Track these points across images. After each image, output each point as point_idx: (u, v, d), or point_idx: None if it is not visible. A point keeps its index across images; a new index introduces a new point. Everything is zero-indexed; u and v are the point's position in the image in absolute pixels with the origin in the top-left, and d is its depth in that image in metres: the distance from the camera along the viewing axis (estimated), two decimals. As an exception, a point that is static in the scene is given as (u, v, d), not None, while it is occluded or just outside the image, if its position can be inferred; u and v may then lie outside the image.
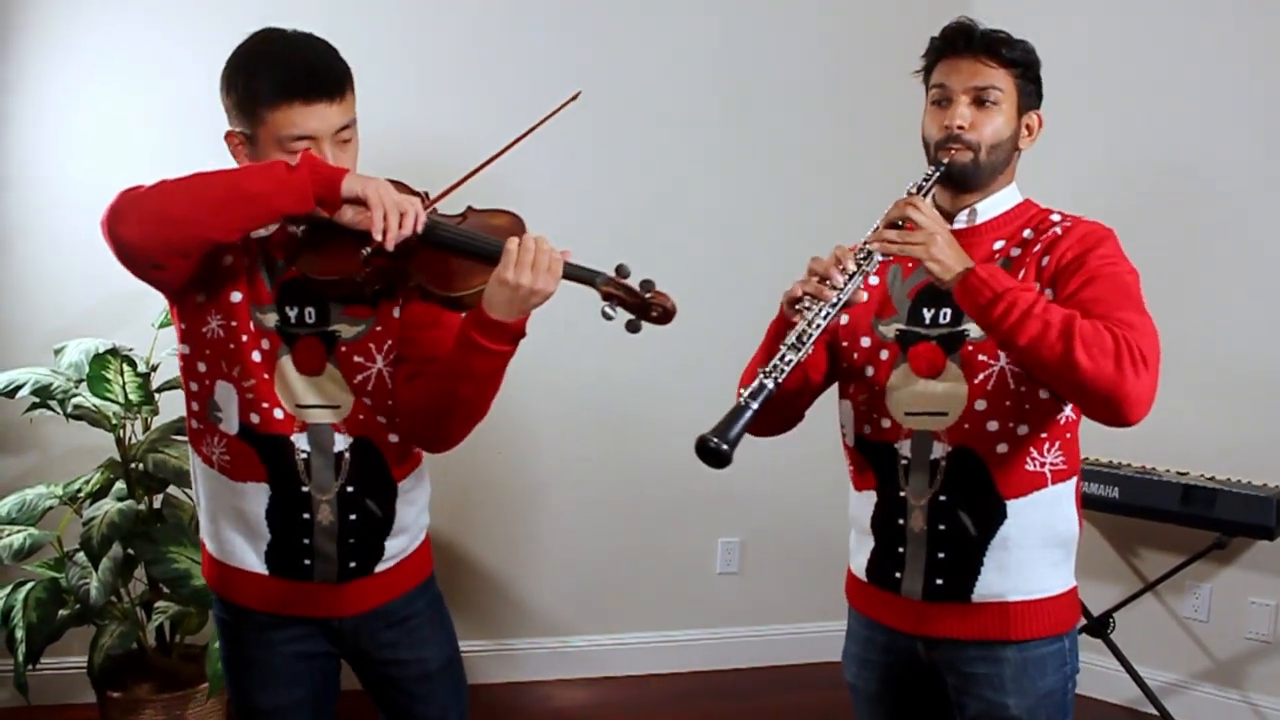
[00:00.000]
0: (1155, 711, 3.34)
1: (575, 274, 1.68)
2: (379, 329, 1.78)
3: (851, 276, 1.67)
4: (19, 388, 2.83)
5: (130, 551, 2.82)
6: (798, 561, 3.92)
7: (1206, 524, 3.18)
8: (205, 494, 1.85)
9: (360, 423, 1.79)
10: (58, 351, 2.97)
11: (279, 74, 1.68)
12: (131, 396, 2.87)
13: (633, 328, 1.69)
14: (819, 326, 1.65)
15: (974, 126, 1.76)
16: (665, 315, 1.68)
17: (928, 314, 1.79)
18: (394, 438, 1.83)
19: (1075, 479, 1.80)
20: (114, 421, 2.89)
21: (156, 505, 2.97)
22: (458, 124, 3.36)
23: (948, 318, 1.77)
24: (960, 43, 1.78)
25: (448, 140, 3.17)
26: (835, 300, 1.66)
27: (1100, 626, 3.35)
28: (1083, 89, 3.50)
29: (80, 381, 2.86)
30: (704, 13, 3.71)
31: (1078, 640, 1.85)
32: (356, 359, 1.77)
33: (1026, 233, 1.79)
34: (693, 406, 3.85)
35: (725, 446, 1.55)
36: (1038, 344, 1.56)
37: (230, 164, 1.77)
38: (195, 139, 3.23)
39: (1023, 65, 1.78)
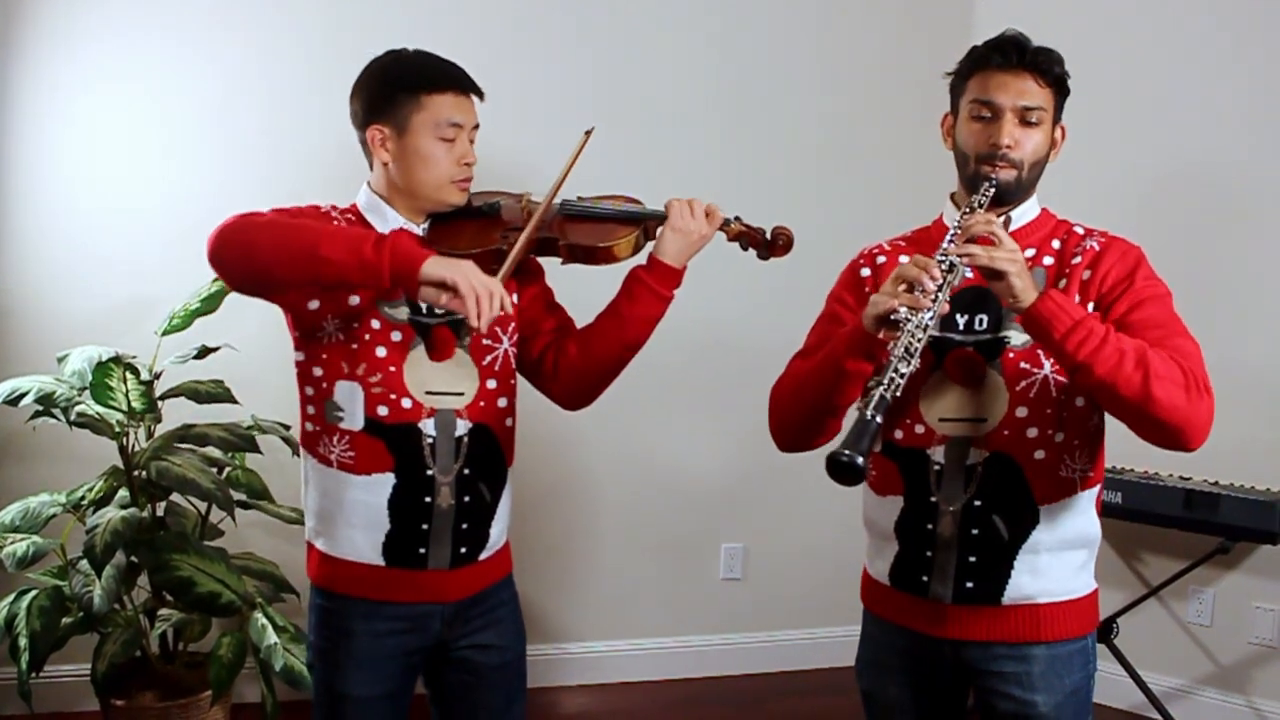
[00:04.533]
0: (1159, 717, 3.33)
1: None
2: (502, 313, 1.92)
3: (940, 287, 1.63)
4: (22, 396, 2.83)
5: (133, 559, 2.83)
6: (801, 567, 3.92)
7: (1210, 529, 3.19)
8: (320, 493, 1.93)
9: (481, 409, 1.94)
10: (61, 359, 2.96)
11: (439, 67, 1.92)
12: (134, 404, 2.87)
13: (763, 257, 2.04)
14: (921, 340, 1.61)
15: (1018, 145, 1.77)
16: (789, 243, 2.02)
17: (961, 320, 1.79)
18: (509, 421, 2.01)
19: (1100, 485, 1.83)
20: (117, 429, 2.89)
21: (160, 513, 2.97)
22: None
23: (984, 324, 1.77)
24: (1013, 57, 1.76)
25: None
26: (933, 310, 1.62)
27: (1104, 631, 3.35)
28: (1090, 96, 3.49)
29: (83, 389, 2.86)
30: (707, 17, 3.72)
31: (1096, 640, 1.88)
32: (485, 341, 1.95)
33: (1055, 243, 1.80)
34: (694, 414, 3.88)
35: (860, 459, 1.51)
36: (1114, 375, 1.59)
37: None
38: (202, 146, 3.29)
39: (1061, 82, 1.79)
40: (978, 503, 1.76)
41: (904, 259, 1.69)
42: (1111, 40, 3.58)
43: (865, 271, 1.95)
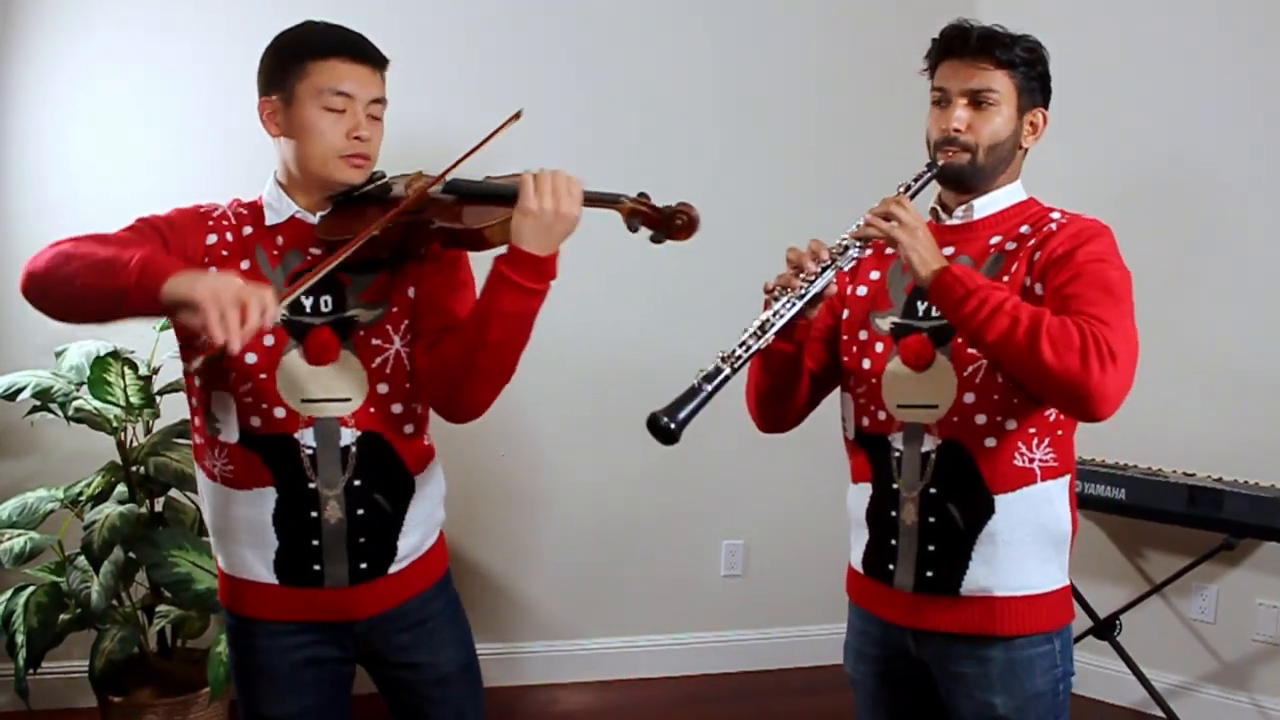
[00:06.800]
0: (1162, 714, 3.32)
1: (597, 197, 1.71)
2: (395, 310, 1.79)
3: (825, 269, 1.70)
4: (20, 390, 2.82)
5: (131, 555, 2.81)
6: (802, 564, 3.90)
7: (1213, 525, 3.17)
8: (211, 509, 1.84)
9: (370, 416, 1.78)
10: (59, 354, 2.96)
11: (330, 34, 1.77)
12: (133, 399, 2.86)
13: (656, 240, 1.70)
14: (783, 317, 1.68)
15: (971, 128, 1.77)
16: (690, 224, 1.68)
17: (921, 307, 1.81)
18: (409, 428, 1.83)
19: (1068, 477, 1.80)
20: (115, 424, 2.88)
21: (158, 509, 2.96)
22: (458, 124, 3.35)
23: (939, 311, 1.76)
24: (957, 45, 1.78)
25: (447, 139, 3.18)
26: (803, 291, 1.69)
27: (1107, 628, 3.34)
28: (1088, 88, 3.48)
29: (81, 384, 2.85)
30: (705, 12, 3.71)
31: (1071, 642, 1.85)
32: (375, 342, 1.77)
33: (1024, 228, 1.79)
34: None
35: (674, 426, 1.58)
36: (1005, 340, 1.59)
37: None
38: (195, 142, 3.27)
39: (1022, 64, 1.77)
40: (933, 490, 1.77)
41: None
42: (1107, 35, 3.57)
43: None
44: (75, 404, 2.85)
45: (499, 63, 3.48)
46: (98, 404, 2.85)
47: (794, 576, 3.92)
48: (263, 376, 1.73)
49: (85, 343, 2.95)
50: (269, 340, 1.73)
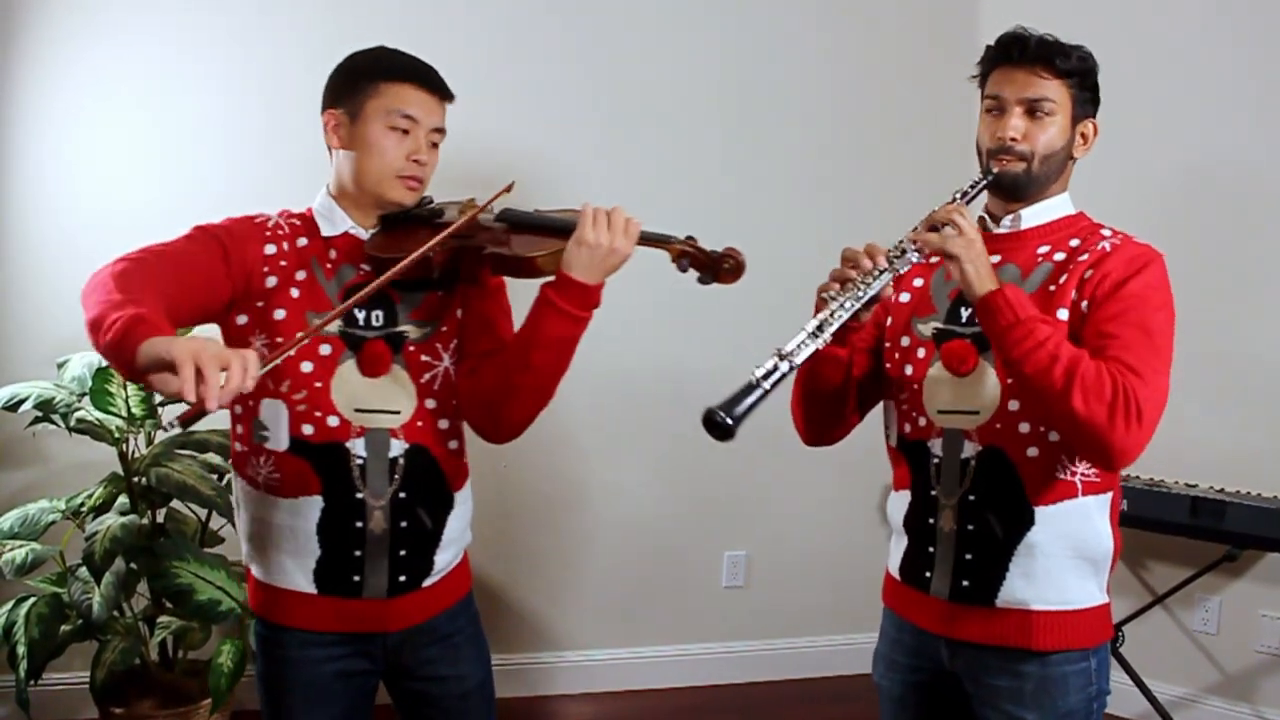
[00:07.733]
0: (1165, 726, 3.32)
1: (651, 237, 1.80)
2: (444, 329, 1.86)
3: (883, 272, 1.68)
4: (22, 401, 2.81)
5: (133, 566, 2.81)
6: (804, 575, 3.90)
7: (1216, 536, 3.16)
8: (250, 518, 1.86)
9: (418, 429, 1.83)
10: (60, 365, 2.96)
11: (407, 60, 1.86)
12: (134, 410, 2.86)
13: (704, 282, 1.81)
14: (840, 318, 1.65)
15: (1027, 137, 1.77)
16: (737, 268, 1.78)
17: (965, 313, 1.80)
18: (453, 444, 1.89)
19: (1110, 494, 1.79)
20: (117, 435, 2.88)
21: (160, 520, 2.96)
22: (466, 131, 3.36)
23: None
24: (1015, 52, 1.78)
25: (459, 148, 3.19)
26: (860, 293, 1.66)
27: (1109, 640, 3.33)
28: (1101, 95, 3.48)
29: (83, 395, 2.85)
30: (709, 18, 3.72)
31: (1107, 661, 1.83)
32: (424, 358, 1.83)
33: (1073, 241, 1.79)
34: (695, 421, 3.85)
35: (730, 421, 1.54)
36: (1041, 376, 1.61)
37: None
38: (200, 152, 3.28)
39: (1078, 74, 1.78)
40: (972, 498, 1.76)
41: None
42: (1122, 39, 3.56)
43: None
44: (77, 415, 2.85)
45: (504, 67, 3.48)
46: (99, 415, 2.85)
47: (796, 587, 3.91)
48: (318, 385, 1.78)
49: (87, 353, 2.94)
50: (325, 349, 1.78)
